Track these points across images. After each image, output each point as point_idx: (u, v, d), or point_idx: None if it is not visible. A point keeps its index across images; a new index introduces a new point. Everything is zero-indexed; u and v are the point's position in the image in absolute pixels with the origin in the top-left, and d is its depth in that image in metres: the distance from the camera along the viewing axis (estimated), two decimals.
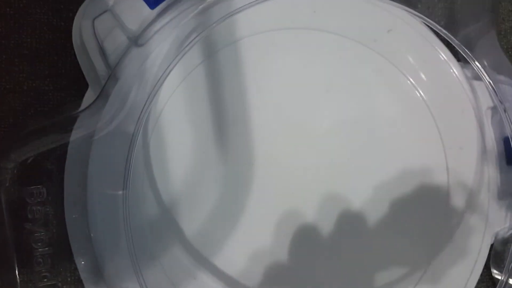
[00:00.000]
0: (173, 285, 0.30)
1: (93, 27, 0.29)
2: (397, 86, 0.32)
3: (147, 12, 0.29)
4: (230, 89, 0.31)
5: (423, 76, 0.32)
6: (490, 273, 0.32)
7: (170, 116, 0.30)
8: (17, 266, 0.28)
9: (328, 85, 0.31)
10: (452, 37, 0.30)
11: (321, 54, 0.32)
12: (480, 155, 0.31)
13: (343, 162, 0.31)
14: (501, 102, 0.30)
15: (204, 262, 0.30)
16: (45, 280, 0.29)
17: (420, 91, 0.32)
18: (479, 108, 0.32)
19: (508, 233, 0.31)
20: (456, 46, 0.31)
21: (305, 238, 0.31)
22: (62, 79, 0.32)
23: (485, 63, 0.31)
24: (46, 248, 0.29)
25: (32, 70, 0.32)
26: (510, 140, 0.30)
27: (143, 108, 0.29)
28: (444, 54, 0.32)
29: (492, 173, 0.31)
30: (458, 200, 0.31)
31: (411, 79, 0.32)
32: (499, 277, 0.31)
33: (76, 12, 0.30)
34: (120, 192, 0.29)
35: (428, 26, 0.31)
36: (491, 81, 0.31)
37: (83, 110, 0.29)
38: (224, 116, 0.30)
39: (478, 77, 0.31)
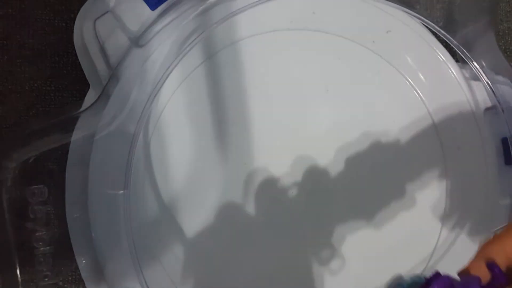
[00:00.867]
0: (173, 283, 0.30)
1: (94, 28, 0.29)
2: (395, 87, 0.32)
3: (148, 13, 0.29)
4: (230, 90, 0.31)
5: (421, 76, 0.32)
6: None
7: (171, 116, 0.30)
8: (19, 265, 0.28)
9: (328, 85, 0.32)
10: (450, 38, 0.31)
11: (321, 55, 0.32)
12: (478, 155, 0.31)
13: (342, 161, 0.31)
14: (499, 102, 0.31)
15: (204, 261, 0.30)
16: (46, 279, 0.29)
17: (419, 92, 0.32)
18: (477, 108, 0.32)
19: None
20: (454, 47, 0.31)
21: (306, 238, 0.31)
22: (63, 80, 0.32)
23: (483, 63, 0.31)
24: (47, 248, 0.29)
25: (34, 70, 0.32)
26: (508, 140, 0.30)
27: (144, 108, 0.29)
28: (443, 55, 0.32)
29: (490, 173, 0.31)
30: (456, 200, 0.31)
31: (409, 80, 0.32)
32: None
33: (78, 13, 0.30)
34: (121, 192, 0.29)
35: (427, 27, 0.31)
36: (489, 81, 0.31)
37: (84, 110, 0.29)
38: (224, 116, 0.31)
39: (476, 78, 0.31)
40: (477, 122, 0.32)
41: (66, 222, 0.29)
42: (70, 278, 0.31)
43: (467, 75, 0.32)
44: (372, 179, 0.31)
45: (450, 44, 0.31)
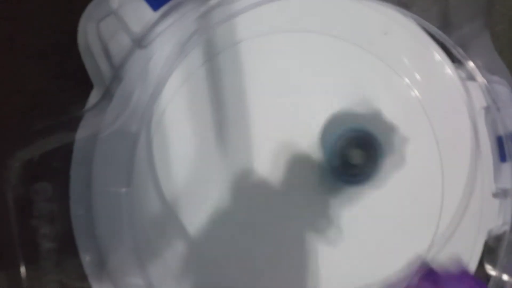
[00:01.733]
0: (175, 279, 0.30)
1: (98, 29, 0.30)
2: (393, 87, 0.32)
3: (150, 15, 0.30)
4: (230, 90, 0.31)
5: (418, 76, 0.32)
6: (484, 269, 0.33)
7: (172, 116, 0.31)
8: (23, 262, 0.28)
9: (327, 85, 0.32)
10: (446, 38, 0.31)
11: (320, 56, 0.32)
12: (473, 153, 0.32)
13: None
14: (494, 102, 0.31)
15: (206, 257, 0.30)
16: (50, 275, 0.30)
17: (416, 91, 0.32)
18: (473, 107, 0.32)
19: (501, 230, 0.32)
20: (450, 48, 0.31)
21: (306, 236, 0.31)
22: (68, 80, 0.32)
23: (479, 64, 0.32)
24: (52, 244, 0.29)
25: (39, 71, 0.32)
26: (503, 138, 0.31)
27: (146, 107, 0.29)
28: (439, 55, 0.32)
29: (485, 171, 0.32)
30: (452, 198, 0.32)
31: (406, 80, 0.32)
32: (493, 273, 0.32)
33: (82, 15, 0.30)
34: (124, 190, 0.29)
35: (423, 28, 0.32)
36: (485, 81, 0.31)
37: (88, 110, 0.30)
38: (224, 116, 0.31)
39: (472, 78, 0.32)
40: (473, 121, 0.32)
41: (70, 220, 0.30)
42: (73, 275, 0.31)
43: (463, 75, 0.33)
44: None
45: (447, 44, 0.31)
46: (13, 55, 0.32)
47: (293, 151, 0.32)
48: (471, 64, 0.31)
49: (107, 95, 0.30)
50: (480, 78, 0.31)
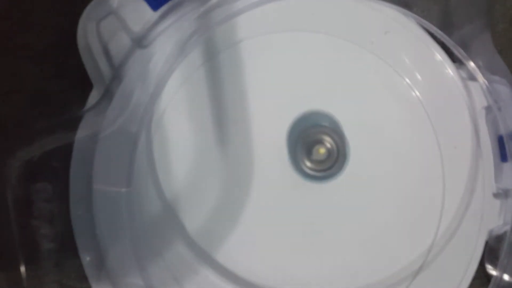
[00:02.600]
0: (176, 280, 0.30)
1: (97, 29, 0.30)
2: (393, 87, 0.32)
3: (150, 14, 0.30)
4: (231, 90, 0.31)
5: (419, 76, 0.32)
6: (485, 269, 0.32)
7: (172, 116, 0.31)
8: (23, 262, 0.28)
9: (327, 86, 0.32)
10: (447, 38, 0.31)
11: (320, 56, 0.32)
12: (474, 153, 0.32)
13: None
14: (495, 102, 0.31)
15: (207, 258, 0.30)
16: (50, 275, 0.30)
17: (416, 91, 0.32)
18: (473, 107, 0.32)
19: (502, 230, 0.32)
20: (451, 47, 0.31)
21: (307, 234, 0.31)
22: (67, 80, 0.32)
23: (480, 63, 0.32)
24: (52, 244, 0.29)
25: (38, 71, 0.32)
26: (504, 138, 0.31)
27: (146, 107, 0.29)
28: (440, 55, 0.32)
29: (486, 171, 0.32)
30: (453, 198, 0.32)
31: (407, 80, 0.32)
32: (494, 273, 0.32)
33: (81, 14, 0.30)
34: (124, 190, 0.29)
35: (424, 28, 0.32)
36: (485, 81, 0.31)
37: (88, 110, 0.30)
38: (225, 116, 0.31)
39: (473, 78, 0.32)
40: (474, 121, 0.32)
41: (70, 220, 0.30)
42: (73, 275, 0.31)
43: (464, 75, 0.32)
44: (367, 177, 0.32)
45: (447, 44, 0.31)
46: (13, 55, 0.32)
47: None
48: (472, 64, 0.31)
49: (107, 95, 0.30)
50: (481, 78, 0.31)
